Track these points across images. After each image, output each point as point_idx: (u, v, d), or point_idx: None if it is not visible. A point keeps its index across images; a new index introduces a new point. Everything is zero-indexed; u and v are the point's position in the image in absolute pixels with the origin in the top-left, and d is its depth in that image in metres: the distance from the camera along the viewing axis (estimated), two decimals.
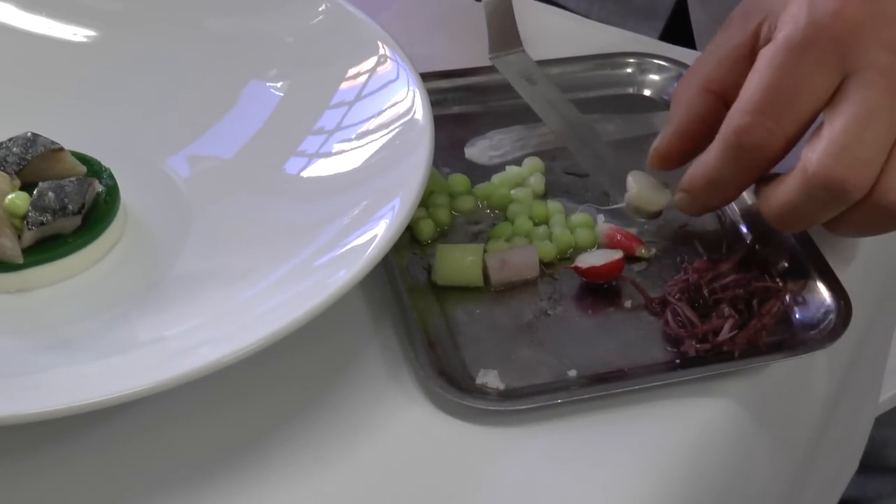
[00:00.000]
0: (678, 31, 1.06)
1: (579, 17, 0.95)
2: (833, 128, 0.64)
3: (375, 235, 0.66)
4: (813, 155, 0.65)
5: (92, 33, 0.82)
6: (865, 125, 0.64)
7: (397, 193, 0.68)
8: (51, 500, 0.63)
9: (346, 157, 0.73)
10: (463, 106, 0.85)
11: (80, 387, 0.61)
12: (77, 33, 0.82)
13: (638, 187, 0.74)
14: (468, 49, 0.88)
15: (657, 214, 0.75)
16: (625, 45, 0.89)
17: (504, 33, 0.83)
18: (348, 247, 0.67)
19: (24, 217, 0.70)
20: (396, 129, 0.72)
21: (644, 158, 0.81)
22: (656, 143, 0.73)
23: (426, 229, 0.75)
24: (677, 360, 0.69)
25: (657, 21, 1.08)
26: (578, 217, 0.76)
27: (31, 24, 0.82)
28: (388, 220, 0.66)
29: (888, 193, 0.64)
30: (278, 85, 0.78)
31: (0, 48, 0.81)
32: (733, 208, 0.77)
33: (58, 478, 0.64)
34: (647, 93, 0.87)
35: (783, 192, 0.67)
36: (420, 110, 0.72)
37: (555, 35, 0.91)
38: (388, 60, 0.76)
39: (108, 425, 0.65)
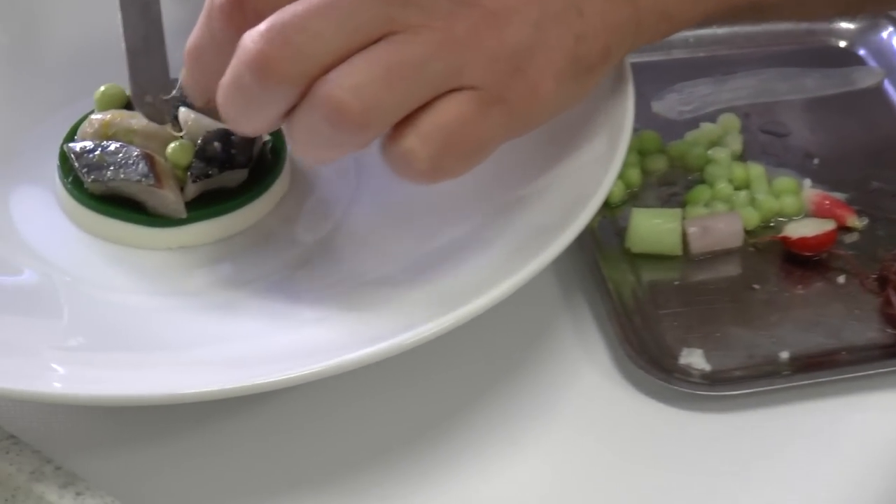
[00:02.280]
0: None
1: None
2: (282, 13, 0.54)
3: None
4: (247, 35, 0.55)
5: None
6: (319, 15, 0.53)
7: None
8: (210, 483, 0.58)
9: None
10: (644, 55, 0.78)
11: (247, 364, 0.56)
12: None
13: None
14: None
15: None
16: None
17: None
18: (546, 215, 0.61)
19: (188, 168, 0.64)
20: None
21: (845, 118, 0.75)
22: None
23: (616, 191, 0.69)
24: None
25: None
26: (783, 182, 0.69)
27: None
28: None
29: (324, 86, 0.54)
30: None
31: None
32: None
33: (217, 459, 0.59)
34: (843, 44, 0.79)
35: (224, 78, 0.56)
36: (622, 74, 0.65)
37: None
38: None
39: (280, 402, 0.60)
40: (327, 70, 0.54)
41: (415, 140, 0.54)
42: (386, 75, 0.53)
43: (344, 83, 0.53)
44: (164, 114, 0.65)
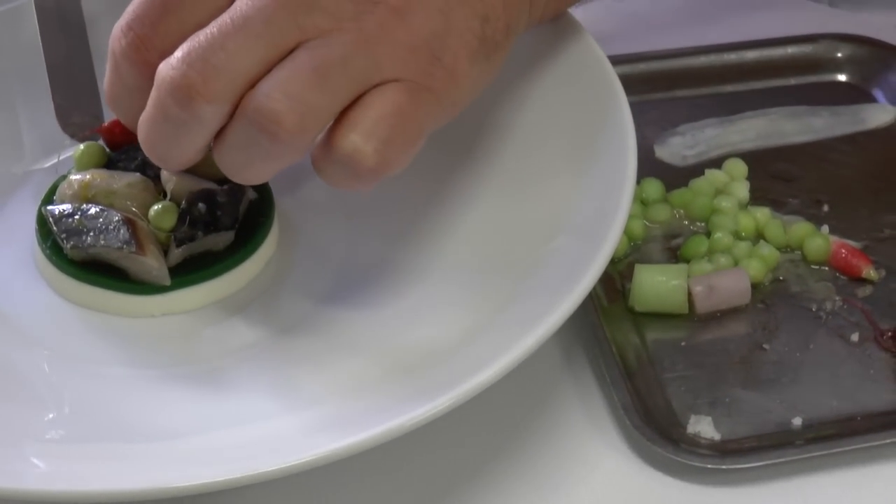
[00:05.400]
0: None
1: None
2: (194, 38, 0.54)
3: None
4: (163, 65, 0.54)
5: None
6: (233, 34, 0.54)
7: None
8: None
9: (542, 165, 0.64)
10: (646, 95, 0.75)
11: (236, 455, 0.53)
12: None
13: None
14: (652, 29, 0.79)
15: None
16: (830, 25, 0.79)
17: None
18: (550, 280, 0.58)
19: (172, 231, 0.62)
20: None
21: (855, 160, 0.72)
22: None
23: (619, 244, 0.66)
24: None
25: None
26: (801, 227, 0.66)
27: None
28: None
29: (254, 99, 0.54)
30: None
31: None
32: None
33: None
34: (852, 80, 0.76)
35: (145, 114, 0.56)
36: (623, 116, 0.62)
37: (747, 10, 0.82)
38: None
39: (270, 485, 0.57)
40: (252, 85, 0.54)
41: (357, 137, 0.54)
42: (312, 77, 0.54)
43: (273, 93, 0.53)
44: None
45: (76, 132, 0.66)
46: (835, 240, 0.66)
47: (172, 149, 0.57)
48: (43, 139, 0.68)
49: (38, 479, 0.53)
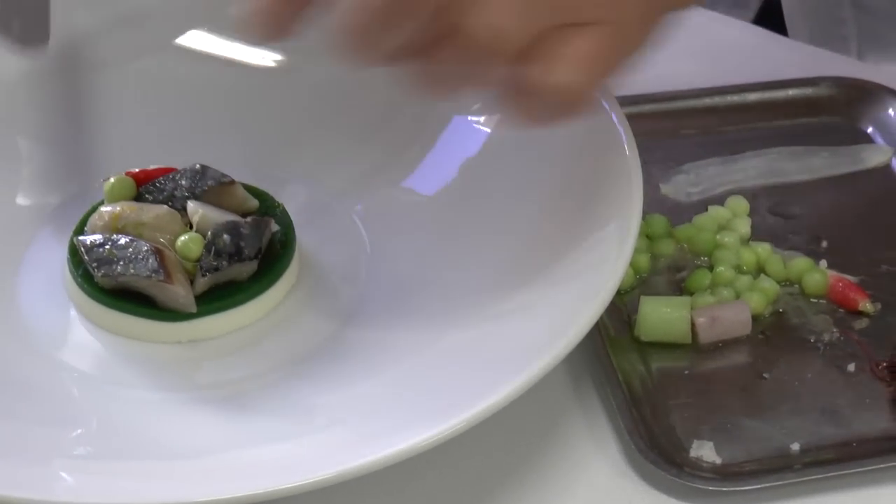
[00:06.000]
0: (769, 20, 0.95)
1: (772, 34, 0.87)
2: None
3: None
4: None
5: (278, 58, 0.75)
6: None
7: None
8: None
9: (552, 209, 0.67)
10: (652, 134, 0.78)
11: (255, 473, 0.56)
12: (265, 57, 0.75)
13: None
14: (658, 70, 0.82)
15: None
16: (826, 68, 0.82)
17: None
18: (554, 308, 0.61)
19: (197, 261, 0.64)
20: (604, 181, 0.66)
21: (854, 198, 0.74)
22: None
23: (626, 277, 0.68)
24: None
25: (747, 10, 0.98)
26: (801, 262, 0.69)
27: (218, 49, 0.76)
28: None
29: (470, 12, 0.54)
30: (482, 119, 0.71)
31: (180, 74, 0.75)
32: None
33: None
34: (849, 121, 0.79)
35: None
36: (630, 161, 0.65)
37: (745, 53, 0.85)
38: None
39: None
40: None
41: (560, 69, 0.56)
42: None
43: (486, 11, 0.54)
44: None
45: (17, 37, 0.65)
46: (833, 274, 0.69)
47: (381, 33, 0.55)
48: (74, 174, 0.71)
49: (65, 492, 0.56)
